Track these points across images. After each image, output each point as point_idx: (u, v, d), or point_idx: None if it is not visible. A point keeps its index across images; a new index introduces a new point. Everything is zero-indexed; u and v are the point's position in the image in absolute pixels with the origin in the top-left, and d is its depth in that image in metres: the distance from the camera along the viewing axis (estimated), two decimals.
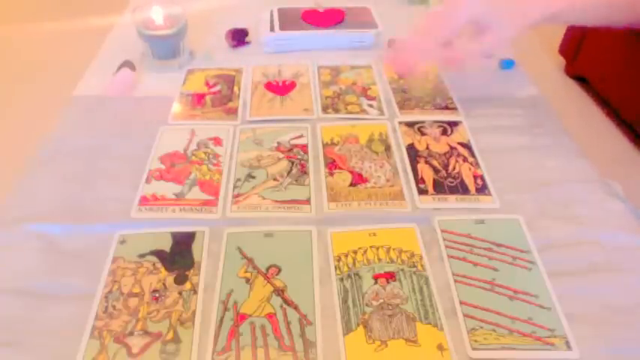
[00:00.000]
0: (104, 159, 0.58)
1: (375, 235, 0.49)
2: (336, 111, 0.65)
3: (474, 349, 0.40)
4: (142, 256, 0.47)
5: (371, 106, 0.66)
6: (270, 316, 0.42)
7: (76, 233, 0.49)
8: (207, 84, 0.70)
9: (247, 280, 0.45)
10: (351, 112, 0.65)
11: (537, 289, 0.44)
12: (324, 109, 0.65)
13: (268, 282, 0.45)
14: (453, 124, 0.62)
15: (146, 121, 0.63)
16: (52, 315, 0.43)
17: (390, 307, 0.43)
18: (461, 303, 0.43)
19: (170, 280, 0.45)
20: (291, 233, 0.49)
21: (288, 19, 0.79)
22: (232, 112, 0.65)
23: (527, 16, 0.58)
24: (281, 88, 0.69)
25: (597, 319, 0.42)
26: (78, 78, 0.71)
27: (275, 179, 0.55)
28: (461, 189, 0.54)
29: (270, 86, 0.69)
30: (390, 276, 0.45)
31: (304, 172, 0.56)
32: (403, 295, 0.44)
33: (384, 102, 0.66)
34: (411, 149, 0.59)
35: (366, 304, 0.43)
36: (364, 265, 0.46)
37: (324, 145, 0.60)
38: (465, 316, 0.42)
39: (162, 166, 0.57)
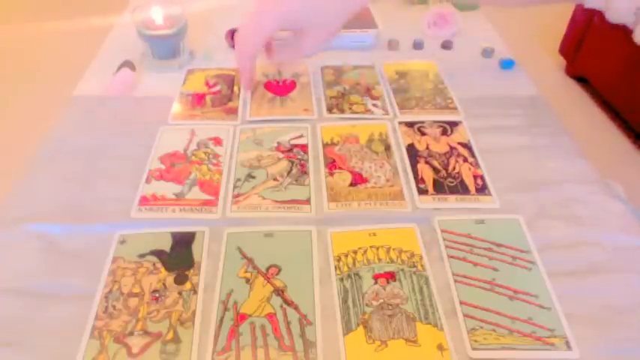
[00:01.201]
0: (104, 159, 0.58)
1: (375, 235, 0.49)
2: (341, 111, 0.65)
3: (474, 349, 0.40)
4: (142, 256, 0.47)
5: (375, 105, 0.66)
6: (270, 316, 0.42)
7: (76, 233, 0.49)
8: (207, 84, 0.70)
9: (247, 280, 0.45)
10: (355, 112, 0.65)
11: (537, 289, 0.44)
12: (329, 110, 0.65)
13: (268, 282, 0.45)
14: (453, 124, 0.62)
15: (146, 121, 0.63)
16: (52, 315, 0.43)
17: (390, 307, 0.43)
18: (461, 303, 0.43)
19: (170, 280, 0.45)
20: (291, 233, 0.49)
21: None
22: (232, 112, 0.65)
23: (347, 8, 0.56)
24: (281, 88, 0.69)
25: (597, 319, 0.42)
26: (78, 78, 0.71)
27: (275, 179, 0.55)
28: (461, 189, 0.54)
29: (270, 86, 0.69)
30: (390, 276, 0.45)
31: (304, 172, 0.56)
32: (403, 295, 0.44)
33: (388, 101, 0.67)
34: (411, 149, 0.59)
35: (366, 304, 0.43)
36: (364, 265, 0.46)
37: (324, 145, 0.60)
38: (465, 316, 0.42)
39: (163, 166, 0.57)
